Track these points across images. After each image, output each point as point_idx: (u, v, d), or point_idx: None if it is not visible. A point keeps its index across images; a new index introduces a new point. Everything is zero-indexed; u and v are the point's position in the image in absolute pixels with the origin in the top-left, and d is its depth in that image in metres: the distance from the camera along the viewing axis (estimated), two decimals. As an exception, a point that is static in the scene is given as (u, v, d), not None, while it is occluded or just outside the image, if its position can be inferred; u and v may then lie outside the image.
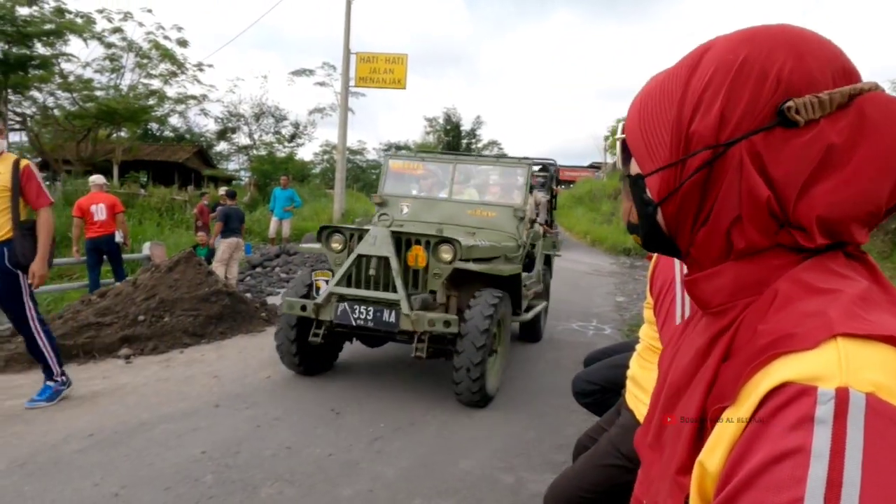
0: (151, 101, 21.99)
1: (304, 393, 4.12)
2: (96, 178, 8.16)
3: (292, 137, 28.12)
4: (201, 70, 22.69)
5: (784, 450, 0.41)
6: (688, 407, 0.56)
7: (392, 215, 5.45)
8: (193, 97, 23.54)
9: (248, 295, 7.50)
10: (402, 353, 5.34)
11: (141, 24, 23.21)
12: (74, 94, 20.45)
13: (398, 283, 3.83)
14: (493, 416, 3.89)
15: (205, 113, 27.60)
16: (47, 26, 17.98)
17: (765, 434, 0.43)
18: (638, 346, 1.84)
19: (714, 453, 0.48)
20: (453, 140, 46.20)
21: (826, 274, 0.51)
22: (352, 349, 5.38)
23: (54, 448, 3.00)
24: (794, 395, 0.42)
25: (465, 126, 47.30)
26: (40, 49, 18.54)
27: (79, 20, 19.08)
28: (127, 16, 20.37)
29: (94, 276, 7.41)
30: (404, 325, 3.78)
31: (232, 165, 31.96)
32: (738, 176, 0.53)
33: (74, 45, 23.38)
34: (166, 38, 21.37)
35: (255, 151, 26.90)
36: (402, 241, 4.02)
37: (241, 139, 28.89)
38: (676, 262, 1.55)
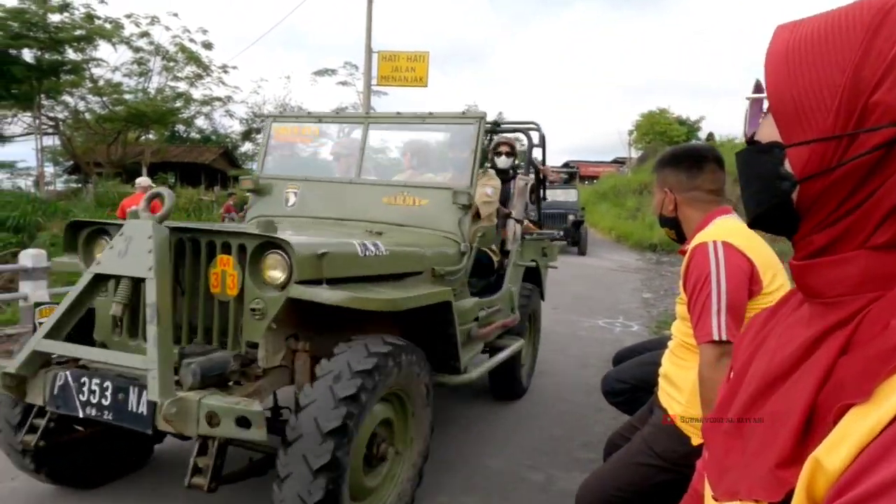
0: (178, 104, 22.40)
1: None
2: (142, 181, 8.52)
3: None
4: (226, 72, 23.01)
5: None
6: (791, 399, 0.51)
7: (264, 210, 3.60)
8: (218, 99, 23.91)
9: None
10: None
11: (167, 28, 23.60)
12: (104, 98, 20.92)
13: (151, 332, 1.94)
14: (519, 414, 3.87)
15: (230, 114, 28.01)
16: (78, 32, 18.42)
17: None
18: (670, 344, 1.81)
19: (836, 451, 0.44)
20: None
21: None
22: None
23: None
24: None
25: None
26: (71, 55, 19.01)
27: (108, 25, 19.50)
28: (154, 20, 20.74)
29: None
30: (161, 422, 1.84)
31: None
32: None
33: (104, 49, 23.89)
34: (192, 40, 21.71)
35: (279, 151, 27.11)
36: (190, 248, 2.26)
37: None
38: (711, 256, 1.51)
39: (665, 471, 1.64)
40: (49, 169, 26.99)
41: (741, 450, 0.57)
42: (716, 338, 1.45)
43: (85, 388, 2.02)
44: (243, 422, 1.76)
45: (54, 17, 18.28)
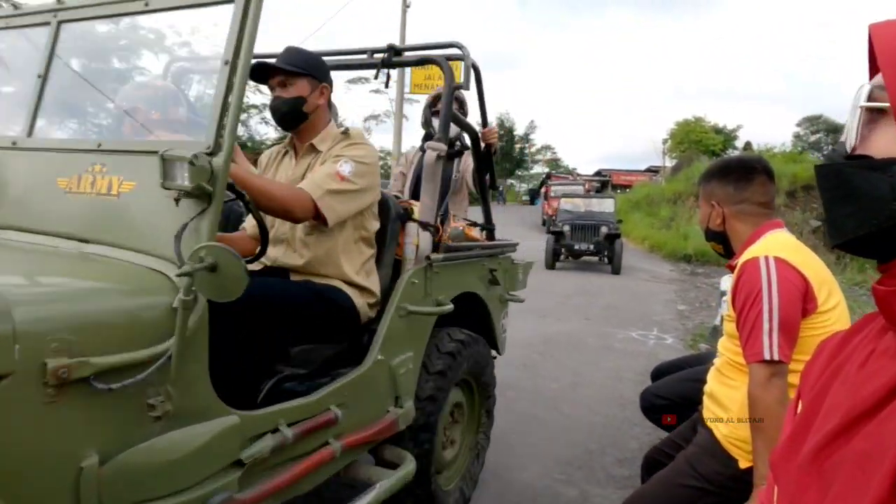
0: (216, 111, 22.89)
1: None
2: None
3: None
4: (262, 80, 23.47)
5: None
6: (883, 437, 0.47)
7: None
8: (255, 106, 24.41)
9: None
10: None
11: (207, 38, 24.23)
12: (146, 106, 21.51)
13: None
14: (551, 427, 3.81)
15: (265, 121, 28.57)
16: (122, 42, 19.01)
17: None
18: (716, 361, 1.75)
19: None
20: (506, 145, 46.12)
21: None
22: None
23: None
24: None
25: (519, 131, 47.18)
26: (116, 64, 19.63)
27: (151, 36, 20.07)
28: (195, 30, 21.30)
29: None
30: None
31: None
32: None
33: (146, 59, 24.59)
34: (230, 50, 22.20)
35: (312, 158, 27.55)
36: None
37: (300, 146, 29.66)
38: (763, 272, 1.46)
39: (709, 494, 1.59)
40: (92, 174, 27.83)
41: (822, 490, 0.53)
42: (767, 357, 1.39)
43: None
44: None
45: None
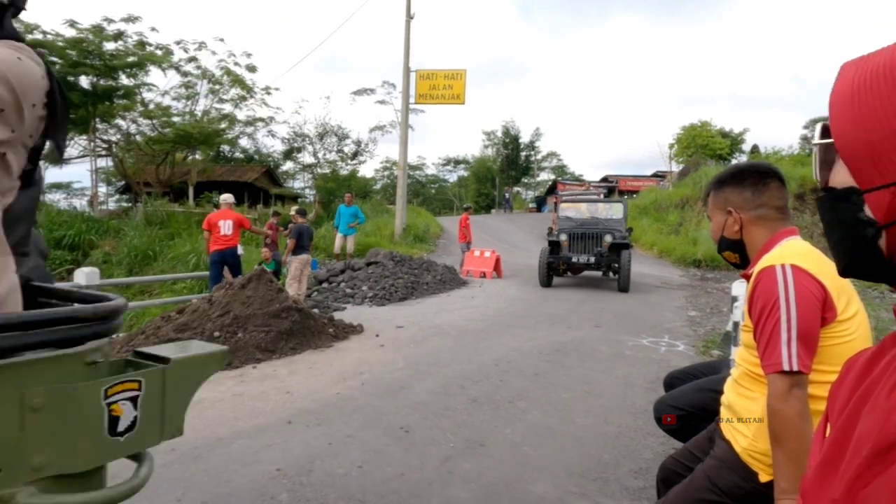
0: (223, 125, 23.14)
1: (374, 409, 4.12)
2: (227, 197, 9.10)
3: (354, 155, 28.83)
4: (269, 93, 23.74)
5: None
6: None
7: None
8: (261, 119, 24.64)
9: (316, 310, 7.67)
10: (469, 368, 5.29)
11: (214, 53, 24.54)
12: (154, 121, 21.80)
13: None
14: (564, 437, 3.76)
15: (272, 134, 28.81)
16: (130, 59, 19.28)
17: None
18: (733, 372, 1.71)
19: None
20: (512, 153, 46.16)
21: None
22: (416, 362, 5.38)
23: (140, 461, 3.11)
24: None
25: (524, 138, 47.20)
26: (124, 80, 19.90)
27: (158, 52, 20.37)
28: (201, 45, 21.56)
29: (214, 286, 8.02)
30: None
31: (297, 184, 33.16)
32: None
33: (154, 74, 24.92)
34: (237, 64, 22.47)
35: (319, 170, 27.75)
36: None
37: (306, 158, 29.91)
38: (780, 281, 1.43)
39: (729, 508, 1.55)
40: (102, 189, 28.19)
41: None
42: (786, 368, 1.36)
43: None
44: None
45: (109, 46, 19.20)
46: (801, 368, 1.36)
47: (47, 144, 1.09)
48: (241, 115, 23.63)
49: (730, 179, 1.71)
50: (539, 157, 49.92)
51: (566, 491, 3.00)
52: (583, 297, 10.27)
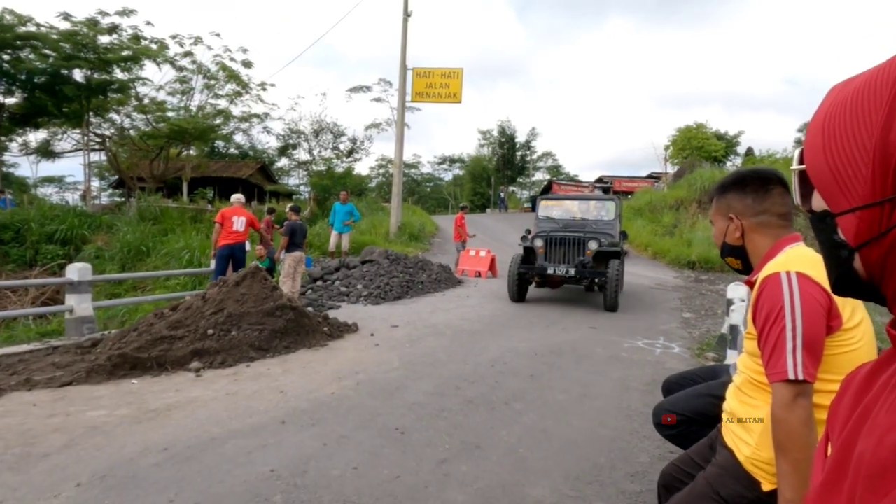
0: (218, 121, 23.01)
1: (369, 410, 4.10)
2: (240, 197, 9.08)
3: (350, 153, 28.76)
4: (264, 89, 23.61)
5: None
6: None
7: None
8: (257, 115, 24.52)
9: (310, 308, 7.63)
10: (465, 369, 5.27)
11: (209, 48, 24.39)
12: (149, 116, 21.65)
13: None
14: (560, 439, 3.75)
15: (267, 130, 28.72)
16: (125, 53, 19.13)
17: None
18: (735, 379, 1.69)
19: None
20: (508, 152, 46.13)
21: None
22: (411, 362, 5.35)
23: (131, 462, 3.09)
24: None
25: (520, 138, 47.19)
26: (119, 74, 19.75)
27: (153, 46, 20.23)
28: (197, 40, 21.42)
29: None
30: None
31: (292, 180, 33.03)
32: None
33: (149, 69, 24.75)
34: (232, 59, 22.34)
35: (314, 167, 27.66)
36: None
37: (301, 155, 29.81)
38: (785, 288, 1.41)
39: (732, 516, 1.53)
40: (95, 183, 28.00)
41: None
42: (791, 377, 1.35)
43: None
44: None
45: (104, 39, 19.05)
46: (806, 377, 1.34)
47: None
48: (236, 110, 23.53)
49: (732, 185, 1.69)
50: (535, 156, 49.92)
51: (563, 495, 2.98)
52: (578, 298, 10.27)
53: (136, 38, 19.53)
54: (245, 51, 22.76)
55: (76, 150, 23.33)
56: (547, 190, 34.45)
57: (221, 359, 5.18)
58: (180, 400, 4.17)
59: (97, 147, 22.53)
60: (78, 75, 18.76)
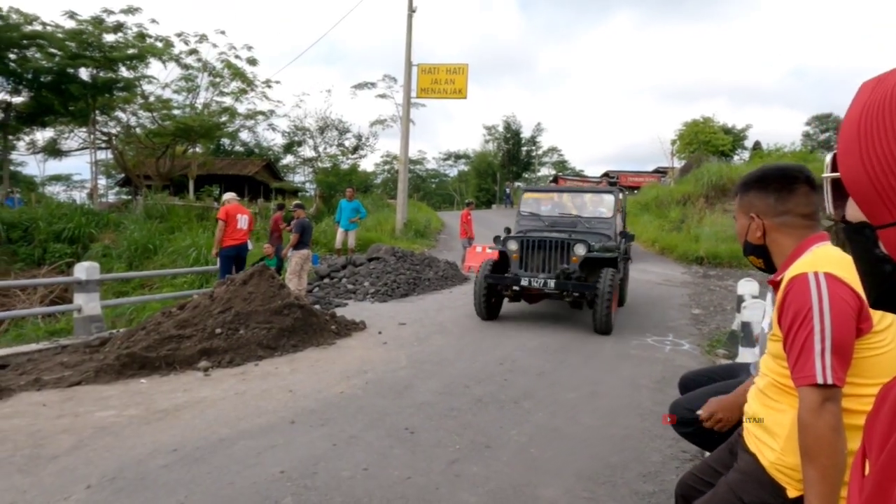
0: (224, 118, 23.01)
1: (377, 410, 4.07)
2: (234, 195, 8.92)
3: (355, 149, 28.74)
4: (269, 87, 23.60)
5: None
6: None
7: None
8: (262, 113, 24.51)
9: (317, 306, 7.61)
10: (473, 367, 5.24)
11: (214, 46, 24.41)
12: (154, 114, 21.67)
13: None
14: (571, 438, 3.71)
15: (272, 127, 28.77)
16: (131, 51, 19.15)
17: None
18: (758, 381, 1.65)
19: None
20: (513, 148, 46.00)
21: None
22: (419, 361, 5.33)
23: (141, 463, 3.07)
24: None
25: (525, 133, 47.05)
26: (124, 72, 19.78)
27: (159, 44, 20.23)
28: (202, 38, 21.41)
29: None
30: None
31: (298, 178, 33.05)
32: None
33: (154, 67, 24.82)
34: (237, 57, 22.33)
35: (319, 164, 27.65)
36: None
37: (307, 152, 29.82)
38: (813, 289, 1.36)
39: (755, 524, 1.49)
40: (102, 182, 28.09)
41: None
42: (820, 381, 1.30)
43: None
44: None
45: (109, 37, 19.07)
46: (835, 381, 1.30)
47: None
48: (241, 108, 23.53)
49: (754, 183, 1.64)
50: (540, 152, 49.76)
51: (575, 496, 2.94)
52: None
53: (142, 36, 19.55)
54: (250, 48, 22.72)
55: (83, 148, 23.40)
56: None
57: (230, 358, 5.17)
58: (189, 400, 4.15)
59: (103, 145, 22.59)
60: (84, 74, 18.81)
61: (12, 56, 17.45)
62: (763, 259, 1.66)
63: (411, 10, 17.65)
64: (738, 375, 2.48)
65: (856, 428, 1.31)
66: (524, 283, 7.06)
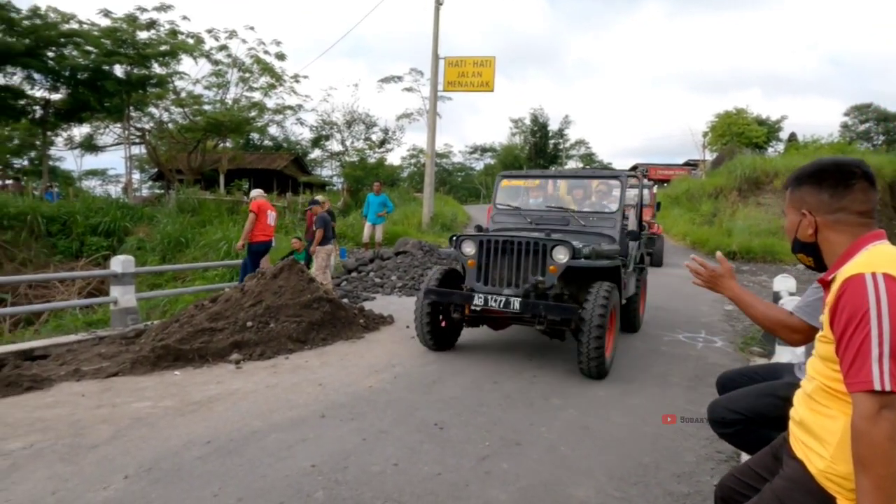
0: (253, 113, 23.30)
1: (407, 404, 4.08)
2: (261, 192, 9.02)
3: (382, 143, 28.83)
4: (297, 81, 23.80)
5: None
6: None
7: None
8: (290, 107, 24.76)
9: (345, 300, 7.66)
10: (501, 363, 5.21)
11: (244, 41, 24.66)
12: (186, 109, 22.06)
13: None
14: (602, 436, 3.66)
15: (300, 122, 28.97)
16: (163, 48, 19.50)
17: None
18: (805, 384, 1.58)
19: None
20: (540, 140, 45.59)
21: None
22: (447, 355, 5.31)
23: (176, 454, 3.13)
24: None
25: (553, 126, 46.57)
26: (157, 69, 20.15)
27: (190, 41, 20.56)
28: (232, 34, 21.68)
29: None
30: None
31: (325, 172, 33.33)
32: None
33: (186, 63, 25.23)
34: (266, 52, 22.55)
35: (346, 158, 27.82)
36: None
37: (334, 146, 30.04)
38: (870, 291, 1.30)
39: (803, 534, 1.43)
40: (136, 176, 28.74)
41: None
42: (877, 387, 1.24)
43: None
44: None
45: (142, 35, 19.44)
46: (893, 388, 1.24)
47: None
48: (270, 103, 23.81)
49: (808, 178, 1.57)
50: (567, 144, 49.22)
51: (608, 495, 2.90)
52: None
53: (173, 33, 19.89)
54: (278, 43, 22.93)
55: (117, 143, 23.99)
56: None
57: (260, 351, 5.24)
58: (222, 392, 4.22)
59: (137, 140, 23.11)
60: (118, 71, 19.24)
61: (50, 54, 17.94)
62: (813, 257, 1.59)
63: (438, 3, 17.57)
64: (781, 376, 2.41)
65: None
66: (478, 301, 4.89)
